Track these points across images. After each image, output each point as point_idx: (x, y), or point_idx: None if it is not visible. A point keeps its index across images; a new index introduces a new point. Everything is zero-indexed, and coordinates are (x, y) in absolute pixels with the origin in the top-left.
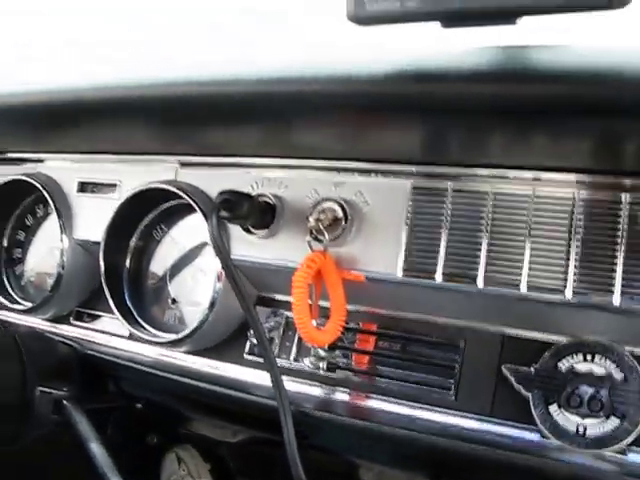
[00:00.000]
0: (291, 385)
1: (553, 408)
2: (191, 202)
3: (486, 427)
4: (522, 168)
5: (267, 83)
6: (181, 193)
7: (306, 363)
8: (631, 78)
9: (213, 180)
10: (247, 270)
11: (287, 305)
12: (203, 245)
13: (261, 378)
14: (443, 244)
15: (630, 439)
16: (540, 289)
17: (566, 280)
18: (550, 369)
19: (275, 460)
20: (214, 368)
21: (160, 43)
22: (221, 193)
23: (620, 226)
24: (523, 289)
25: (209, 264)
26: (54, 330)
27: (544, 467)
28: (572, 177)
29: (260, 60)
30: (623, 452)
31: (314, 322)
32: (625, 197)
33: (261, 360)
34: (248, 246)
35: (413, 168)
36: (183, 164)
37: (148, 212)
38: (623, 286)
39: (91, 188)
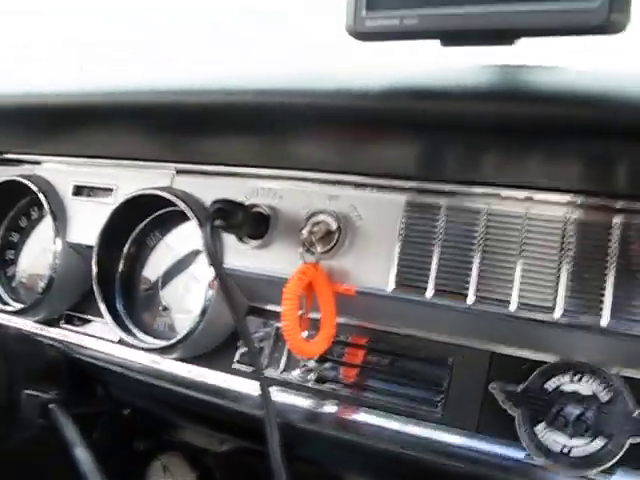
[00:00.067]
0: (279, 396)
1: (539, 427)
2: (185, 210)
3: (472, 444)
4: (516, 187)
5: (264, 94)
6: (176, 200)
7: (295, 375)
8: (625, 101)
9: (208, 188)
10: (239, 280)
11: (278, 316)
12: (196, 253)
13: (250, 388)
14: (435, 260)
15: (615, 460)
16: (530, 308)
17: (556, 300)
18: (537, 388)
19: (261, 471)
20: (203, 376)
21: (160, 43)
22: (215, 202)
23: (611, 248)
24: (513, 307)
25: (202, 272)
26: (44, 333)
27: None
28: (565, 198)
29: (258, 71)
30: (608, 473)
31: (304, 334)
32: (617, 219)
33: (250, 370)
34: (241, 256)
35: (407, 184)
36: (179, 171)
37: (142, 218)
38: (612, 308)
39: (86, 192)
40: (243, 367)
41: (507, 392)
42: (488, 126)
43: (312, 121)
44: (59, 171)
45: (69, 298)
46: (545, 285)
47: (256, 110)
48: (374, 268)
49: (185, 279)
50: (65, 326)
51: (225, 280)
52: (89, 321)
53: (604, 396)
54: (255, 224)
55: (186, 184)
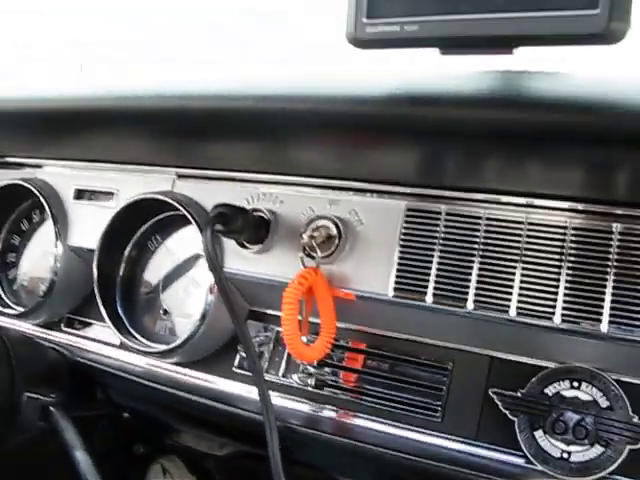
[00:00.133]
0: (278, 400)
1: (538, 433)
2: (186, 214)
3: (471, 450)
4: (516, 194)
5: (265, 100)
6: (177, 204)
7: (294, 379)
8: (626, 108)
9: (209, 193)
10: (239, 284)
11: (278, 320)
12: (197, 257)
13: (249, 392)
14: (435, 266)
15: (614, 467)
16: (529, 314)
17: (555, 306)
18: (537, 394)
19: (260, 474)
20: (203, 380)
21: (160, 43)
22: (216, 206)
23: (611, 254)
24: (512, 313)
25: (202, 276)
26: (44, 336)
27: None
28: (565, 204)
29: (259, 77)
30: (607, 479)
31: (304, 338)
32: (616, 226)
33: (250, 374)
34: (241, 260)
35: (408, 189)
36: (180, 176)
37: (143, 222)
38: (612, 314)
39: (88, 196)
40: (243, 371)
41: (507, 397)
42: (488, 132)
43: (313, 127)
44: (61, 175)
45: (70, 301)
46: (545, 291)
47: (257, 116)
48: (374, 273)
49: (185, 283)
50: (66, 329)
51: (225, 284)
52: (90, 324)
53: (604, 402)
54: (255, 229)
55: (187, 188)
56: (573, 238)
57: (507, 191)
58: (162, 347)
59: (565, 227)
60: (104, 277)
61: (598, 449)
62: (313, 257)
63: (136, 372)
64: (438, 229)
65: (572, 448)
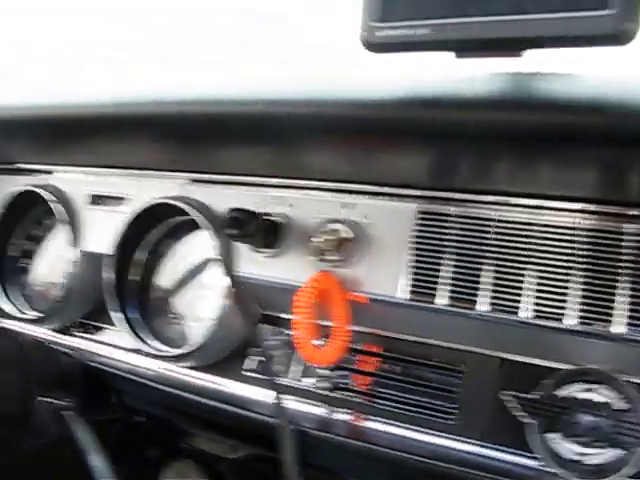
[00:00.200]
0: (292, 403)
1: (552, 436)
2: (198, 219)
3: (484, 452)
4: (526, 195)
5: (276, 104)
6: (189, 209)
7: (307, 382)
8: (637, 108)
9: (221, 198)
10: (252, 288)
11: (291, 324)
12: (209, 261)
13: (262, 395)
14: (446, 268)
15: (628, 469)
16: (541, 316)
17: (567, 307)
18: (550, 396)
19: (274, 477)
20: (216, 384)
21: (160, 43)
22: (230, 211)
23: (623, 255)
24: (524, 315)
25: (214, 280)
26: (58, 340)
27: None
28: (576, 206)
29: (268, 80)
30: None
31: (316, 342)
32: (628, 227)
33: (263, 377)
34: (254, 264)
35: (419, 192)
36: (192, 181)
37: (156, 227)
38: (624, 315)
39: (101, 201)
40: (256, 375)
41: (520, 400)
42: (499, 134)
43: (323, 130)
44: (73, 180)
45: (83, 306)
46: (557, 292)
47: (268, 120)
48: (386, 276)
49: (198, 287)
50: (79, 334)
51: (238, 289)
52: (103, 329)
53: (618, 404)
54: (268, 233)
55: (199, 193)
56: (584, 239)
57: (518, 193)
58: (175, 351)
59: (576, 228)
60: (117, 282)
61: (613, 451)
62: (326, 260)
63: (149, 376)
64: (449, 231)
65: (586, 450)
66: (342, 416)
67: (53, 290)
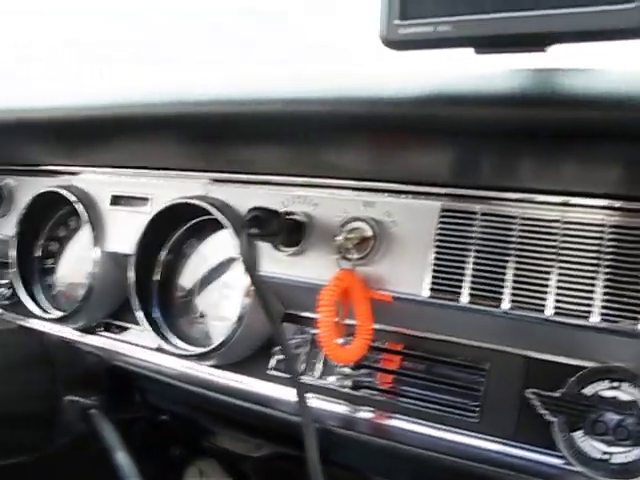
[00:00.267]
0: (315, 402)
1: (577, 434)
2: (221, 218)
3: (509, 451)
4: (551, 192)
5: (298, 103)
6: (211, 209)
7: (331, 381)
8: None
9: (243, 197)
10: (275, 287)
11: (314, 322)
12: (231, 260)
13: (285, 394)
14: (470, 266)
15: None
16: (566, 313)
17: (593, 305)
18: (575, 394)
19: (297, 476)
20: (239, 382)
21: (160, 43)
22: (251, 210)
23: None
24: (549, 313)
25: (237, 279)
26: (83, 340)
27: None
28: (601, 202)
29: (292, 79)
30: None
31: (340, 340)
32: None
33: (286, 376)
34: (276, 263)
35: (442, 190)
36: (214, 180)
37: (178, 227)
38: None
39: (123, 202)
40: (279, 373)
41: (544, 398)
42: (522, 131)
43: (346, 129)
44: (96, 181)
45: (107, 306)
46: (582, 289)
47: (289, 119)
48: (409, 274)
49: (221, 286)
50: (103, 333)
51: (261, 288)
52: (127, 328)
53: None
54: (290, 232)
55: (221, 193)
56: (610, 236)
57: (542, 190)
58: (198, 350)
59: (602, 225)
60: (140, 281)
61: (639, 450)
62: (348, 259)
63: (173, 375)
64: (473, 229)
65: (613, 449)
66: (365, 414)
67: (77, 290)
